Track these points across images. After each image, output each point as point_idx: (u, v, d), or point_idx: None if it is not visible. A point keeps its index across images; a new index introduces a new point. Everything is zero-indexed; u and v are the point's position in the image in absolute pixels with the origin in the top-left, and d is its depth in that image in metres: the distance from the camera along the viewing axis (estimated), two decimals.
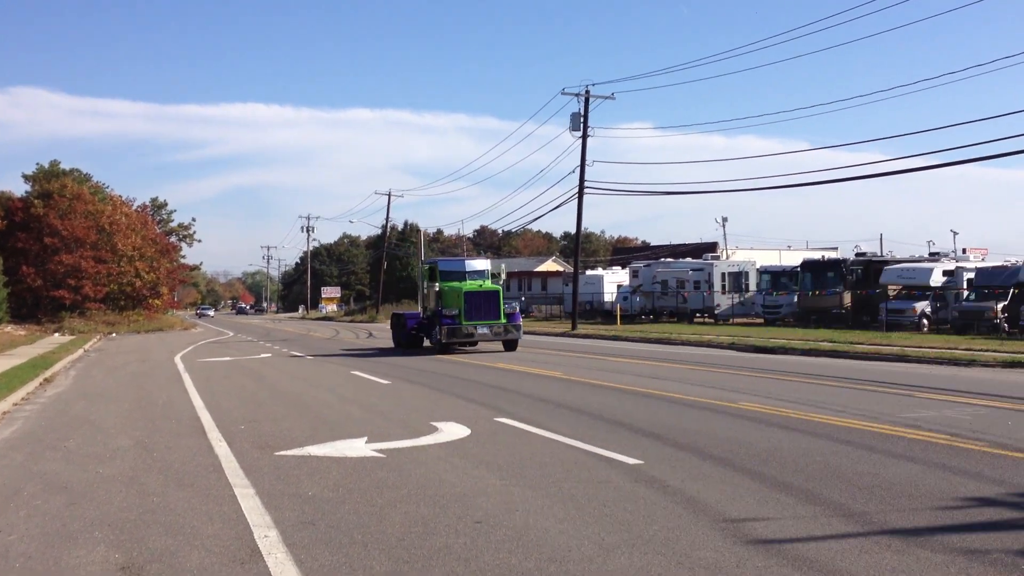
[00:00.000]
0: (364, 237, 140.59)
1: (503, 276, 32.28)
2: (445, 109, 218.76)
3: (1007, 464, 9.19)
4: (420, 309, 31.71)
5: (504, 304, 29.51)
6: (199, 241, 74.28)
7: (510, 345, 29.93)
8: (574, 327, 45.54)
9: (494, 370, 22.28)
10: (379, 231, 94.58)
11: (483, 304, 29.05)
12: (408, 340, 32.33)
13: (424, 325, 31.66)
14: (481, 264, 32.84)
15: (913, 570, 5.86)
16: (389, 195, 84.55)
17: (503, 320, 29.26)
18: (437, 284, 30.54)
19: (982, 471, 8.87)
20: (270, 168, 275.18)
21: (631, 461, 9.61)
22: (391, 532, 7.02)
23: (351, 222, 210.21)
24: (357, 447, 10.92)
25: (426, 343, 32.08)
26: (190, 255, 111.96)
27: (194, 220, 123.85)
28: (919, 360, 22.83)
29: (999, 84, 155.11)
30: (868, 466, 9.19)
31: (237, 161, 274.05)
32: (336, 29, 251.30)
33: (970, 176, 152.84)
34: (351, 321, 79.17)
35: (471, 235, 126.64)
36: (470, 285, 29.85)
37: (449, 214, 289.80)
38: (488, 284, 30.39)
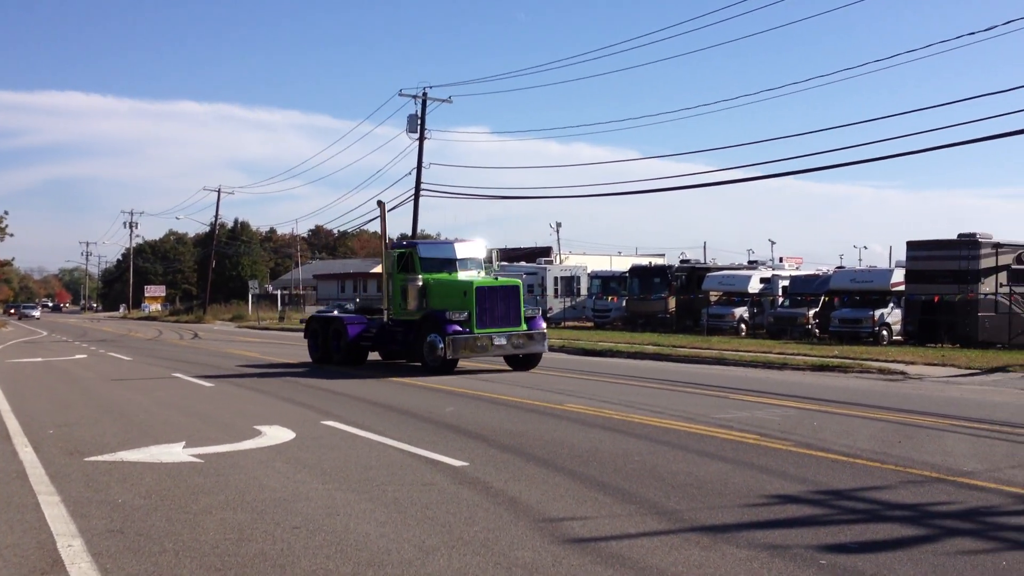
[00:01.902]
0: (192, 234, 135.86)
1: (496, 264, 24.45)
2: (278, 105, 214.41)
3: (810, 462, 9.73)
4: (385, 304, 23.21)
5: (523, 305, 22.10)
6: (11, 235, 69.82)
7: (529, 362, 22.26)
8: None
9: (326, 373, 21.89)
10: (208, 228, 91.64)
11: (500, 305, 21.45)
12: (346, 354, 23.73)
13: (384, 334, 23.22)
14: (474, 249, 23.66)
15: (718, 565, 6.11)
16: (219, 191, 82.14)
17: (523, 327, 21.75)
18: (420, 277, 22.09)
19: (787, 469, 9.35)
20: (90, 160, 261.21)
21: (456, 463, 9.64)
22: (205, 539, 6.78)
23: (178, 218, 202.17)
24: (174, 452, 10.50)
25: (372, 356, 24.98)
26: (2, 250, 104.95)
27: (6, 213, 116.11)
28: (736, 363, 23.91)
29: (816, 101, 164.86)
30: (683, 465, 9.54)
31: (54, 152, 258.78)
32: (161, 16, 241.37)
33: (788, 188, 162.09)
34: (176, 321, 76.29)
35: (305, 235, 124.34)
36: (484, 280, 21.91)
37: (283, 213, 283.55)
38: (504, 278, 22.86)
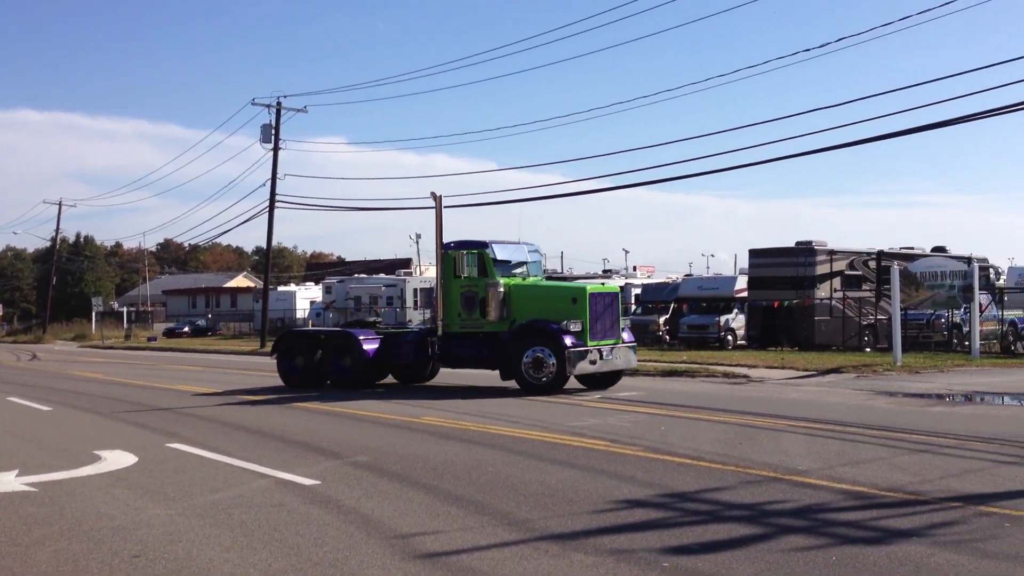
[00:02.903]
0: (32, 250, 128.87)
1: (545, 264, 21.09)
2: (123, 114, 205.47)
3: (657, 466, 10.02)
4: (439, 315, 19.87)
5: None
6: None
7: (611, 380, 19.60)
8: (263, 345, 44.31)
9: (170, 393, 21.15)
10: (49, 243, 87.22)
11: (605, 314, 19.22)
12: (361, 373, 20.57)
13: (416, 346, 20.41)
14: (528, 251, 20.87)
15: (566, 573, 6.23)
16: (60, 204, 78.39)
17: (620, 340, 19.65)
18: (501, 282, 19.04)
19: (635, 474, 9.61)
20: None
21: (308, 482, 9.48)
22: (36, 572, 6.45)
23: (15, 233, 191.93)
24: (6, 481, 9.92)
25: (389, 378, 21.93)
26: None
27: None
28: None
29: (664, 114, 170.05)
30: (535, 474, 9.67)
31: None
32: None
33: (641, 199, 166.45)
34: (14, 342, 72.16)
35: (154, 248, 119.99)
36: (595, 286, 19.96)
37: (130, 226, 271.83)
38: (609, 284, 20.42)
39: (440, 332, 19.82)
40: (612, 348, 18.98)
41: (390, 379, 22.08)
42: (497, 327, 19.06)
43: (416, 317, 52.18)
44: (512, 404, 16.65)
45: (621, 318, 19.88)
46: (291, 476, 9.83)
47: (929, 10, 19.70)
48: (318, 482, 9.49)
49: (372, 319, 22.58)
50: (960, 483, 8.89)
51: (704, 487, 8.86)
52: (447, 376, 22.40)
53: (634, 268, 59.59)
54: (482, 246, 19.59)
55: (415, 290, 53.83)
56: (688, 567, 6.32)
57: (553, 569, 6.31)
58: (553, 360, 18.14)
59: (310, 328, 23.41)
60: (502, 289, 19.01)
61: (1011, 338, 30.51)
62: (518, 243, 20.81)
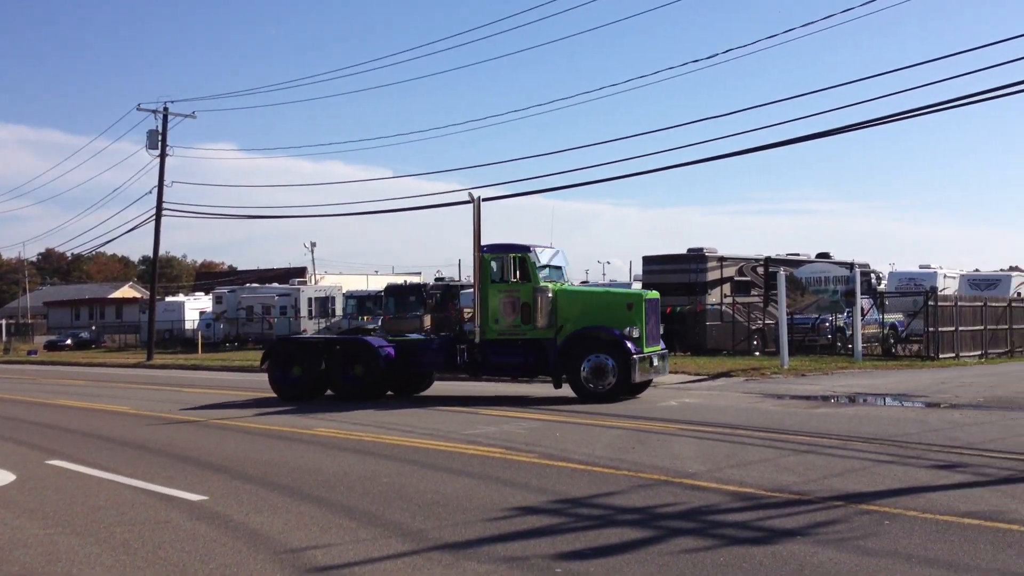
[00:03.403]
0: None
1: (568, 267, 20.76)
2: (2, 119, 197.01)
3: (552, 473, 10.08)
4: (477, 321, 18.98)
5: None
6: None
7: (641, 388, 19.10)
8: (150, 357, 43.04)
9: (50, 408, 20.32)
10: None
11: (651, 320, 18.90)
12: (370, 384, 19.37)
13: (445, 354, 19.50)
14: (562, 256, 20.48)
15: None
16: None
17: (660, 346, 19.65)
18: (550, 287, 18.54)
19: (530, 481, 9.64)
20: None
21: (195, 498, 9.21)
22: None
23: None
24: None
25: (390, 392, 20.51)
26: None
27: None
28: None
29: (559, 123, 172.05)
30: (430, 484, 9.61)
31: None
32: None
33: (539, 206, 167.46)
34: None
35: (35, 259, 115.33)
36: (650, 292, 19.72)
37: (9, 235, 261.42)
38: (650, 291, 20.07)
39: (478, 339, 18.98)
40: (660, 354, 18.95)
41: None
42: (542, 334, 18.51)
43: (311, 327, 51.42)
44: (410, 414, 16.53)
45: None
46: (176, 492, 9.54)
47: (812, 23, 20.43)
48: (205, 497, 9.23)
49: (370, 327, 21.17)
50: (842, 482, 9.19)
51: (597, 492, 8.95)
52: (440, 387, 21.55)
53: None
54: (524, 250, 18.93)
55: (309, 299, 53.05)
56: (580, 572, 6.36)
57: None
58: (614, 366, 17.75)
59: (313, 336, 21.70)
60: (551, 295, 18.54)
61: (892, 341, 31.72)
62: (552, 247, 20.08)
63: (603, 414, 15.43)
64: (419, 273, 70.62)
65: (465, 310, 19.31)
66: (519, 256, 18.82)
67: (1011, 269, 51.14)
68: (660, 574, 6.24)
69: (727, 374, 23.22)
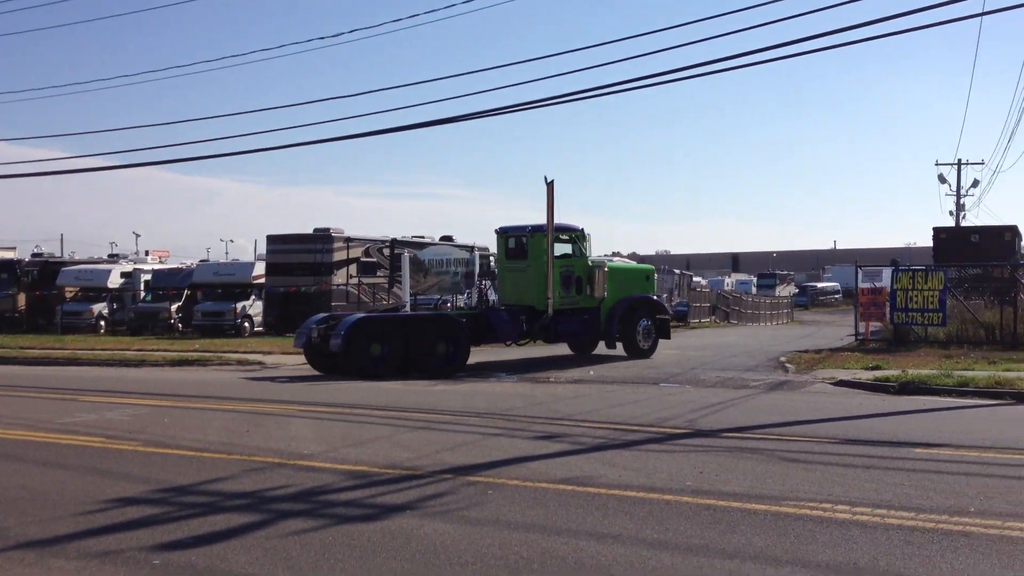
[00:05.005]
0: None
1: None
2: None
3: (157, 460, 9.49)
4: (549, 294, 20.68)
5: None
6: None
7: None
8: None
9: None
10: None
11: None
12: (455, 358, 19.65)
13: (512, 325, 20.94)
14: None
15: None
16: None
17: None
18: (605, 261, 22.73)
19: (132, 471, 9.01)
20: None
21: None
22: None
23: None
24: None
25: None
26: None
27: None
28: (91, 363, 22.65)
29: (183, 90, 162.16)
30: (16, 478, 8.69)
31: None
32: None
33: (155, 179, 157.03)
34: None
35: None
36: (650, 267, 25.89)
37: None
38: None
39: (550, 311, 20.54)
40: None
41: None
42: (590, 303, 21.44)
43: None
44: None
45: None
46: None
47: (435, 10, 20.92)
48: None
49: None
50: (453, 456, 9.55)
51: (206, 479, 8.56)
52: None
53: (146, 253, 56.28)
54: (577, 230, 21.74)
55: None
56: (180, 562, 6.03)
57: None
58: (653, 328, 22.01)
59: (395, 312, 21.83)
60: (607, 269, 21.62)
61: None
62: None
63: (218, 397, 14.85)
64: (14, 248, 63.58)
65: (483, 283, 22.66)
66: (575, 235, 21.65)
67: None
68: (266, 558, 6.08)
69: None
